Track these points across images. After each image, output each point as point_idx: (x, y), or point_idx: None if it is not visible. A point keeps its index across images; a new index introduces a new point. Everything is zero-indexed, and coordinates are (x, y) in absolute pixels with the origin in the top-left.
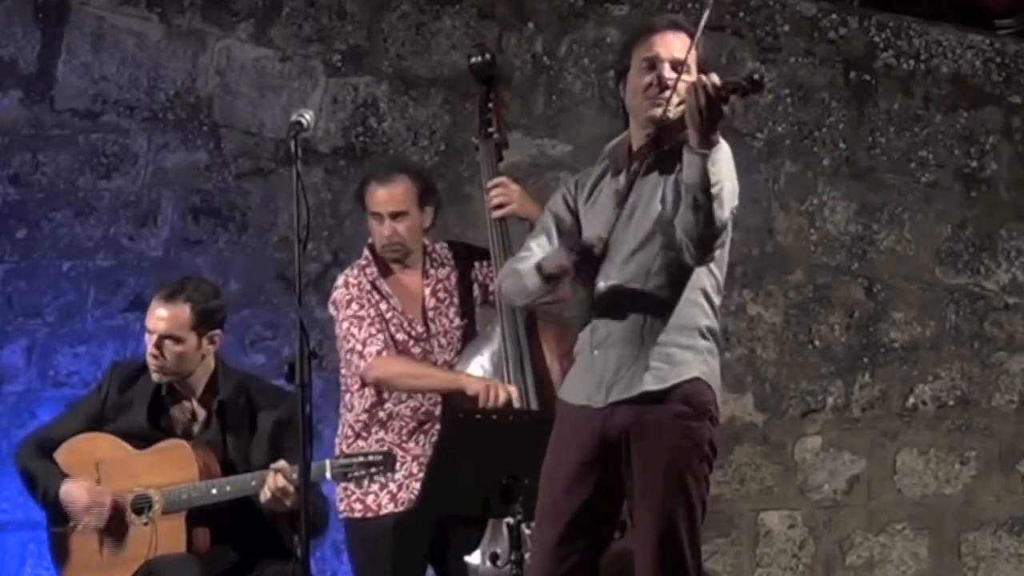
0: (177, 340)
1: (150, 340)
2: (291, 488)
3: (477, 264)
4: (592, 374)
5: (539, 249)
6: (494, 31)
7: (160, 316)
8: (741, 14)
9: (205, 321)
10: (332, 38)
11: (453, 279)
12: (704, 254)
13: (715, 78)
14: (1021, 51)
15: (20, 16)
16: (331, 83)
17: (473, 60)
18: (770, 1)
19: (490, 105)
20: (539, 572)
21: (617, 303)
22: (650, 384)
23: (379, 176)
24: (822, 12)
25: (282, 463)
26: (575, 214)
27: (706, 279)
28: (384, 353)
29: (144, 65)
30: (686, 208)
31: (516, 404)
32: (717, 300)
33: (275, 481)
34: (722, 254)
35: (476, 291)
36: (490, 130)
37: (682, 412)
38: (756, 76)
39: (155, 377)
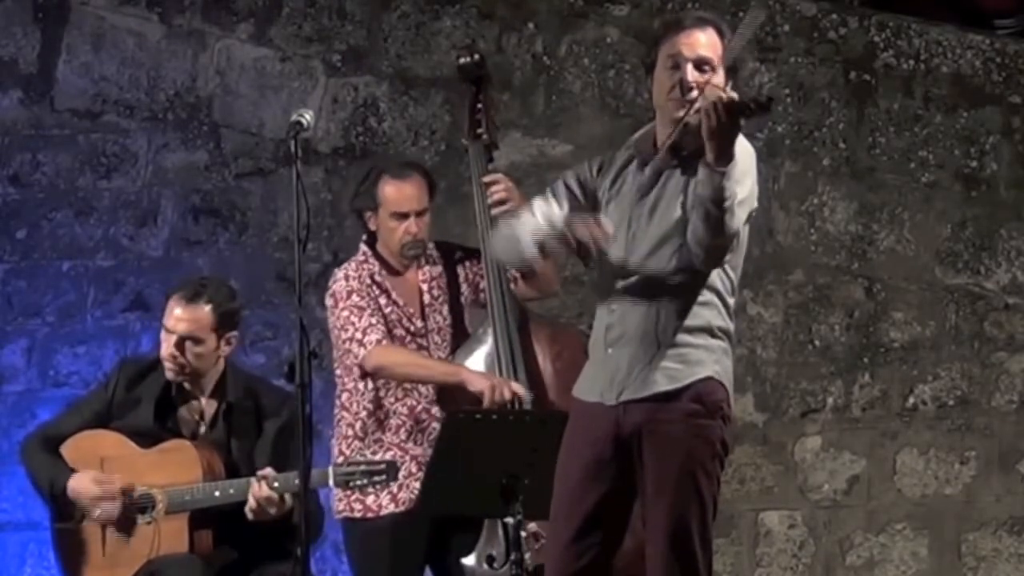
0: (198, 341)
1: (169, 340)
2: (276, 496)
3: (467, 264)
4: (605, 372)
5: (538, 210)
6: (494, 31)
7: (181, 317)
8: (741, 14)
9: (225, 323)
10: (332, 38)
11: (445, 277)
12: (714, 261)
13: (730, 93)
14: (1021, 51)
15: (20, 16)
16: (331, 83)
17: (462, 61)
18: (770, 1)
19: (479, 106)
20: (553, 569)
21: (632, 302)
22: (663, 384)
23: (395, 174)
24: (822, 12)
25: (268, 470)
26: (587, 191)
27: (720, 280)
28: (384, 342)
29: (144, 65)
30: (697, 218)
31: (524, 400)
32: (731, 300)
33: (259, 489)
34: (736, 256)
35: (466, 290)
36: (479, 131)
37: (695, 411)
38: (763, 99)
39: (170, 376)
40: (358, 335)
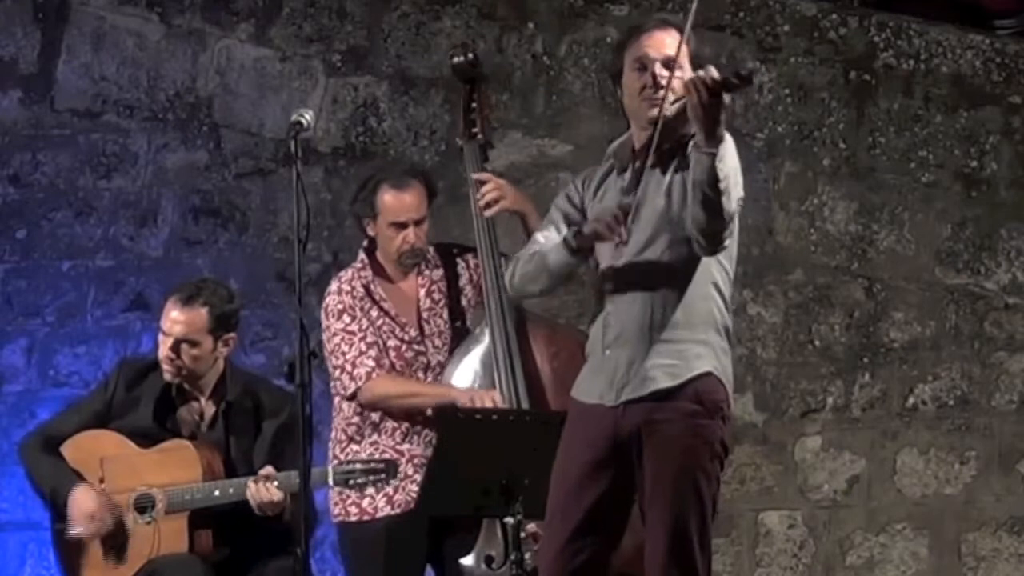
0: (193, 344)
1: (165, 343)
2: (277, 496)
3: (468, 264)
4: (604, 373)
5: (547, 240)
6: (494, 31)
7: (177, 319)
8: (741, 14)
9: (221, 325)
10: (332, 38)
11: (446, 280)
12: (715, 245)
13: (712, 71)
14: (1021, 51)
15: (20, 16)
16: (331, 83)
17: (455, 60)
18: (770, 1)
19: (474, 105)
20: (549, 570)
21: (627, 302)
22: (663, 382)
23: (394, 183)
24: (822, 12)
25: (269, 469)
26: (582, 211)
27: (716, 272)
28: (375, 374)
29: (144, 65)
30: (695, 204)
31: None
32: (728, 294)
33: (258, 489)
34: (731, 246)
35: (469, 291)
36: (474, 131)
37: (694, 410)
38: (743, 71)
39: (168, 378)
40: (347, 366)
